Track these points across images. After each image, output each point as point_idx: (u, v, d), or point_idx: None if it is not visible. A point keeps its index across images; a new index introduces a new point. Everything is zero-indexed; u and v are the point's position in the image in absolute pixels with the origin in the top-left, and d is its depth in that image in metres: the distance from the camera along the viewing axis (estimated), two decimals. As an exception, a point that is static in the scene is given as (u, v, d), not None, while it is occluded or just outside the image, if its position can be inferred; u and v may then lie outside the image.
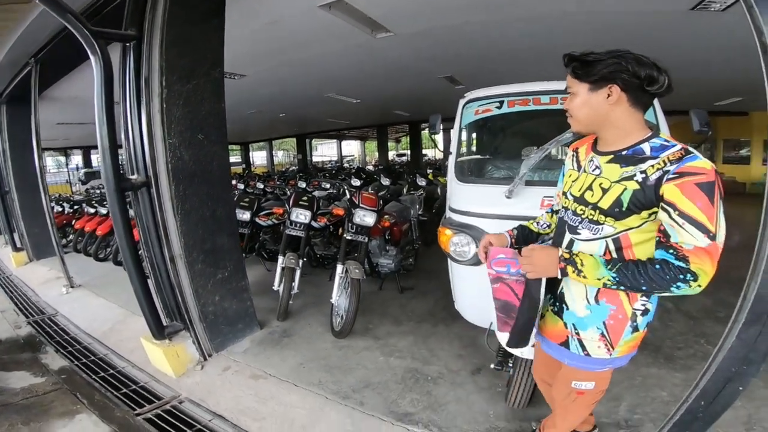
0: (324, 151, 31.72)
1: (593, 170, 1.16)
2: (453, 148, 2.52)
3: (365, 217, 2.99)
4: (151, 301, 2.40)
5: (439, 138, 4.07)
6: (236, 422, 2.06)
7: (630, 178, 1.04)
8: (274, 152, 23.54)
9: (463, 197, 2.29)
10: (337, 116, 12.00)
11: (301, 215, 3.25)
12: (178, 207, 2.38)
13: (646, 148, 1.05)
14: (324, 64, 5.49)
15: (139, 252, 2.49)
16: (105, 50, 2.10)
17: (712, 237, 0.93)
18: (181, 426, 2.02)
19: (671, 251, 0.96)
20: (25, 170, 5.03)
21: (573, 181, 1.23)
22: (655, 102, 1.95)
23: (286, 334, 2.93)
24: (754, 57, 1.12)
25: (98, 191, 9.07)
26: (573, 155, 1.29)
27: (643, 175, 1.02)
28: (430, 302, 3.43)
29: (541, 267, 1.11)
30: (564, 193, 1.26)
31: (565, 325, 1.25)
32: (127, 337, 2.97)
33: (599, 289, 1.15)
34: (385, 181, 6.38)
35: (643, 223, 1.05)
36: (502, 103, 2.35)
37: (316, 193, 5.10)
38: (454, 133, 2.54)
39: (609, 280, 1.02)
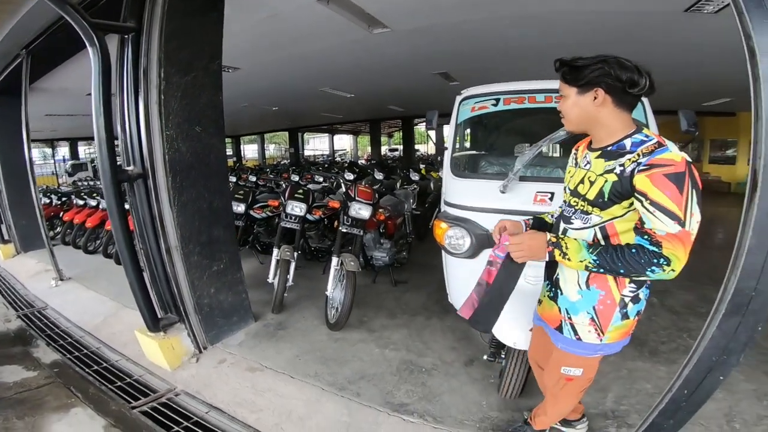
0: (316, 145, 31.56)
1: (585, 165, 1.25)
2: (449, 143, 2.55)
3: (361, 211, 3.01)
4: (146, 294, 2.40)
5: (432, 133, 4.10)
6: (233, 414, 2.08)
7: (611, 170, 1.13)
8: (265, 146, 23.33)
9: (459, 192, 2.32)
10: (330, 110, 11.94)
11: (297, 208, 3.26)
12: (174, 199, 2.37)
13: (627, 143, 1.13)
14: (320, 59, 5.47)
15: (134, 244, 2.49)
16: (104, 42, 2.08)
17: (682, 224, 0.99)
18: (177, 418, 2.03)
19: (646, 237, 1.03)
20: (12, 162, 4.92)
21: (571, 177, 1.31)
22: (646, 102, 2.01)
23: (281, 327, 2.95)
24: (744, 59, 1.17)
25: (86, 183, 8.92)
26: (574, 154, 1.36)
27: (621, 168, 1.10)
28: (423, 295, 3.48)
29: (530, 250, 1.18)
30: (564, 189, 1.35)
31: (560, 309, 1.32)
32: (119, 330, 2.96)
33: (590, 274, 1.22)
34: (379, 176, 6.40)
35: (626, 213, 1.12)
36: (498, 100, 2.38)
37: (311, 187, 5.10)
38: (450, 129, 2.57)
39: (590, 262, 1.08)
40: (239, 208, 3.73)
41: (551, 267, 1.35)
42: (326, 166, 11.20)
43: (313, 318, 3.08)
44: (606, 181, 1.13)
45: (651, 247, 1.01)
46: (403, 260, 4.05)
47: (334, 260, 2.89)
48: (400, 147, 19.43)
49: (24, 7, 2.94)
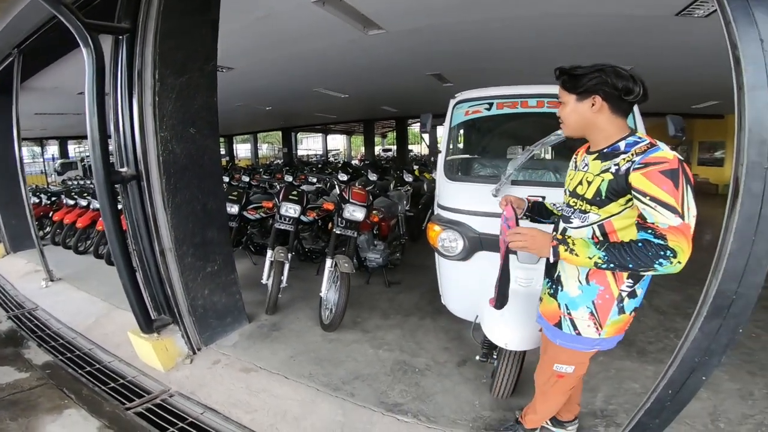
0: (309, 145, 31.46)
1: (583, 167, 1.31)
2: (443, 146, 2.58)
3: (355, 212, 3.03)
4: (140, 295, 2.39)
5: (426, 136, 4.14)
6: (228, 415, 2.09)
7: (607, 170, 1.19)
8: (258, 145, 23.20)
9: (452, 195, 2.35)
10: (324, 110, 11.93)
11: (291, 209, 3.27)
12: (168, 200, 2.37)
13: (621, 145, 1.20)
14: (314, 60, 5.47)
15: (127, 245, 2.48)
16: (98, 42, 2.07)
17: (682, 217, 1.04)
18: (172, 419, 2.03)
19: (650, 231, 1.07)
20: (2, 161, 4.84)
21: (570, 180, 1.38)
22: (635, 107, 2.06)
23: (275, 328, 2.96)
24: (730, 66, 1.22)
25: (76, 182, 8.81)
26: (574, 158, 1.43)
27: (617, 167, 1.16)
28: (416, 296, 3.51)
29: (536, 245, 1.21)
30: (564, 191, 1.41)
31: (559, 305, 1.37)
32: (112, 331, 2.95)
33: (590, 270, 1.26)
34: (372, 176, 6.42)
35: (622, 210, 1.18)
36: (491, 104, 2.42)
37: (304, 188, 5.10)
38: (444, 132, 2.60)
39: (599, 258, 1.11)
40: (233, 209, 3.73)
41: (551, 266, 1.40)
42: (320, 166, 11.18)
43: (307, 319, 3.09)
44: (603, 180, 1.19)
45: (657, 240, 1.04)
46: (396, 261, 4.08)
47: (328, 262, 2.91)
48: (394, 147, 19.45)
49: (17, 6, 2.91)
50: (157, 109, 2.28)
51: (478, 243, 2.15)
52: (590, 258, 1.12)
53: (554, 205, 1.60)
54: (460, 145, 3.14)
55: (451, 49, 5.09)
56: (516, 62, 5.51)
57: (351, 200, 3.05)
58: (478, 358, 2.17)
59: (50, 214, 5.92)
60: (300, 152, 24.92)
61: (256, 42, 4.60)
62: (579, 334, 1.34)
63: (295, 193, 3.36)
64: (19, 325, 3.11)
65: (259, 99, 8.95)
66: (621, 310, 1.29)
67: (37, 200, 6.23)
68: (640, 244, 1.07)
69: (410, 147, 20.83)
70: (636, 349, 2.58)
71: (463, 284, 2.34)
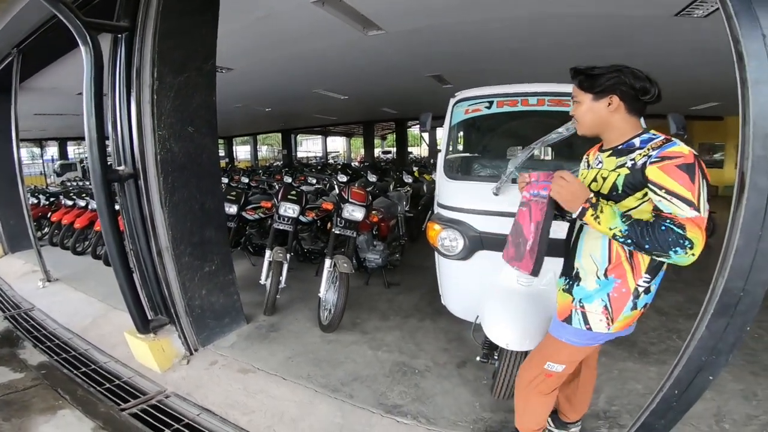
0: (309, 147, 31.49)
1: (597, 164, 1.33)
2: (442, 145, 2.56)
3: (354, 212, 3.01)
4: (136, 295, 2.37)
5: (426, 135, 4.13)
6: (225, 416, 2.05)
7: (623, 165, 1.20)
8: (258, 147, 23.21)
9: (452, 194, 2.33)
10: (324, 112, 11.94)
11: (290, 209, 3.25)
12: (166, 199, 2.35)
13: (636, 141, 1.22)
14: (314, 60, 5.47)
15: (124, 245, 2.46)
16: (97, 41, 2.05)
17: (697, 209, 1.06)
18: (168, 420, 2.00)
19: (668, 220, 1.07)
20: (1, 161, 4.83)
21: (583, 178, 1.37)
22: None
23: (273, 329, 2.93)
24: (732, 63, 1.20)
25: (75, 183, 8.79)
26: (585, 158, 1.44)
27: (633, 162, 1.18)
28: (416, 297, 3.48)
29: (569, 195, 1.19)
30: None
31: (573, 300, 1.35)
32: (108, 332, 2.91)
33: (609, 265, 1.26)
34: (372, 178, 6.40)
35: (639, 204, 1.18)
36: (491, 103, 2.40)
37: (304, 188, 5.08)
38: (443, 131, 2.58)
39: (620, 231, 1.11)
40: (231, 209, 3.70)
41: (568, 263, 1.39)
42: (319, 168, 11.16)
43: (306, 320, 3.07)
44: (619, 175, 1.20)
45: (677, 229, 1.04)
46: (396, 262, 4.06)
47: (327, 262, 2.89)
48: (394, 149, 19.46)
49: (16, 6, 2.90)
50: (156, 108, 2.26)
51: (478, 242, 2.13)
52: (611, 229, 1.13)
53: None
54: (460, 144, 3.12)
55: (451, 50, 5.09)
56: (515, 63, 5.51)
57: (350, 200, 3.03)
58: (478, 359, 2.13)
59: (48, 215, 5.90)
60: (300, 154, 24.94)
61: (256, 42, 4.60)
62: (589, 329, 1.32)
63: (293, 193, 3.34)
64: (15, 326, 3.08)
65: (259, 100, 8.96)
66: (634, 306, 1.27)
67: (36, 201, 6.21)
68: (663, 228, 1.06)
69: (410, 149, 20.83)
70: (638, 350, 2.56)
71: (463, 284, 2.31)
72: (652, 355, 2.52)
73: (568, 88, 2.32)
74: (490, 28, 4.30)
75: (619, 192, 1.20)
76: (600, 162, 1.31)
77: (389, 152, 23.04)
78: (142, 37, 2.22)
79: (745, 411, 1.97)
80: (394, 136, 18.51)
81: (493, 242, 2.09)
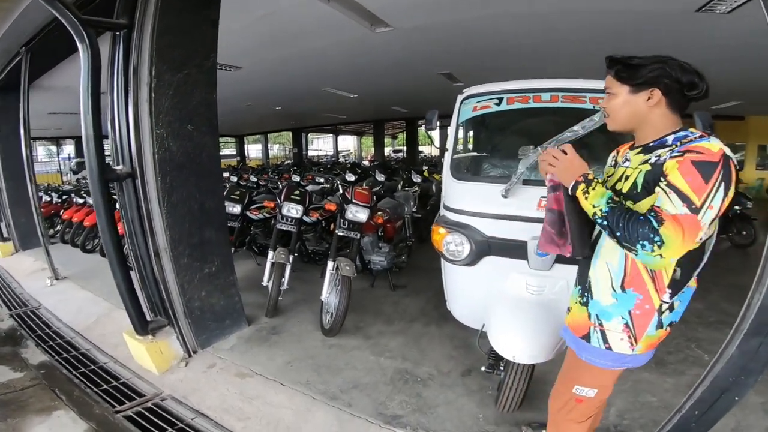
0: (320, 146, 31.56)
1: (624, 163, 1.21)
2: (449, 144, 2.46)
3: (358, 213, 2.93)
4: (134, 296, 2.33)
5: (436, 135, 4.02)
6: (219, 421, 2.01)
7: (646, 162, 1.09)
8: (269, 146, 23.34)
9: (458, 195, 2.23)
10: (333, 110, 11.91)
11: (293, 210, 3.19)
12: (164, 199, 2.30)
13: (670, 138, 1.09)
14: (321, 58, 5.41)
15: (124, 245, 2.43)
16: (94, 39, 2.02)
17: (694, 209, 0.94)
18: (162, 424, 1.96)
19: (653, 213, 0.98)
20: (13, 159, 4.90)
21: (609, 177, 1.26)
22: None
23: (274, 332, 2.88)
24: (756, 60, 1.09)
25: (86, 181, 8.92)
26: (613, 156, 1.32)
27: (657, 158, 1.06)
28: (422, 301, 3.39)
29: (566, 165, 1.15)
30: None
31: (589, 316, 1.23)
32: (111, 332, 2.90)
33: (625, 276, 1.15)
34: (380, 177, 6.32)
35: None
36: (501, 99, 2.29)
37: (309, 188, 5.03)
38: (450, 129, 2.48)
39: (600, 211, 1.06)
40: (235, 209, 3.66)
41: (583, 271, 1.28)
42: (329, 166, 11.13)
43: (308, 323, 3.00)
44: (640, 171, 1.09)
45: (653, 222, 0.96)
46: (402, 264, 3.97)
47: (330, 264, 2.82)
48: (405, 148, 19.35)
49: (20, 5, 2.90)
50: (153, 106, 2.22)
51: (486, 247, 2.02)
52: (594, 206, 1.08)
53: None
54: (468, 143, 3.02)
55: (461, 47, 4.97)
56: (528, 61, 5.35)
57: (354, 201, 2.95)
58: (483, 369, 2.04)
59: (60, 213, 5.98)
60: (311, 153, 25.01)
61: (263, 40, 4.56)
62: (609, 348, 1.19)
63: (297, 192, 3.28)
64: (20, 324, 3.09)
65: (269, 99, 8.95)
66: (659, 324, 1.15)
67: (48, 199, 6.30)
68: (641, 218, 0.98)
69: (421, 148, 20.69)
70: (654, 360, 2.37)
71: (469, 291, 2.21)
72: (669, 365, 2.39)
73: (584, 83, 2.22)
74: (500, 25, 4.18)
75: (638, 190, 1.08)
76: (628, 160, 1.19)
77: (400, 151, 22.91)
78: (140, 34, 2.18)
79: (765, 425, 1.85)
80: (405, 135, 18.40)
81: (502, 247, 1.99)
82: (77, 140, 16.19)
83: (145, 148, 2.25)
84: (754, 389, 2.02)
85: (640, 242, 0.96)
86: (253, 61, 5.45)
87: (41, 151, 17.51)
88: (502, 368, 1.99)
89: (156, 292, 2.47)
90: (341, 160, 20.61)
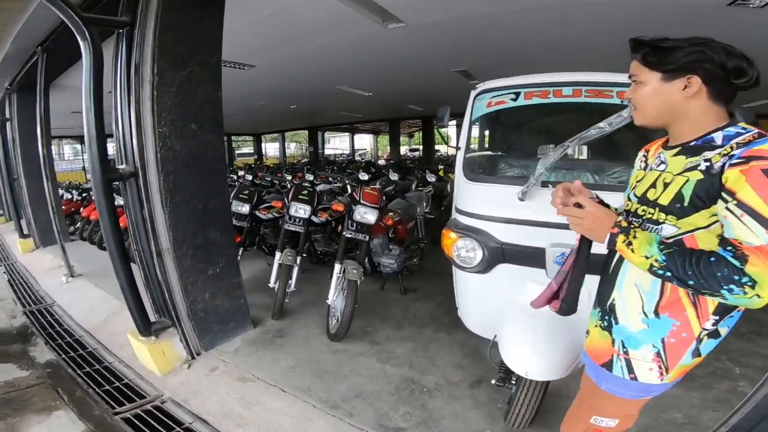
0: (336, 144, 31.69)
1: (658, 165, 1.01)
2: (462, 143, 2.33)
3: (366, 215, 2.83)
4: (138, 297, 2.30)
5: (453, 134, 3.89)
6: (218, 426, 1.95)
7: (694, 167, 0.89)
8: (286, 144, 23.53)
9: (471, 197, 2.10)
10: (349, 109, 11.85)
11: (301, 210, 3.12)
12: (166, 199, 2.26)
13: (718, 137, 0.90)
14: (333, 55, 5.33)
15: (127, 244, 2.41)
16: (96, 37, 2.00)
17: None
18: (159, 428, 1.93)
19: (729, 247, 0.79)
20: (34, 158, 5.00)
21: (638, 182, 1.08)
22: None
23: (280, 334, 2.81)
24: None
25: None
26: (643, 156, 1.14)
27: (708, 164, 0.87)
28: (433, 306, 3.27)
29: (593, 222, 0.96)
30: (628, 197, 1.12)
31: (613, 342, 1.07)
32: (119, 331, 2.89)
33: (660, 300, 0.98)
34: (394, 176, 6.21)
35: (713, 223, 0.87)
36: (518, 94, 2.14)
37: (320, 187, 4.96)
38: (463, 126, 2.36)
39: (656, 261, 0.86)
40: (243, 208, 3.62)
41: (604, 291, 1.11)
42: (343, 165, 11.08)
43: (315, 326, 2.93)
44: (687, 180, 0.89)
45: (733, 261, 0.77)
46: (414, 267, 3.85)
47: (337, 267, 2.73)
48: (421, 147, 19.17)
49: (31, 4, 2.93)
50: (156, 104, 2.18)
51: (499, 254, 1.89)
52: (646, 258, 0.87)
53: (616, 210, 1.25)
54: (483, 142, 2.88)
55: (476, 43, 4.81)
56: (548, 57, 5.13)
57: (362, 201, 2.85)
58: (494, 382, 1.91)
59: (80, 210, 6.11)
60: (327, 151, 25.11)
61: (275, 37, 4.51)
62: (634, 378, 1.03)
63: (305, 192, 3.20)
64: (32, 321, 3.13)
65: (283, 97, 8.95)
66: (696, 353, 0.98)
67: (69, 196, 6.45)
68: (712, 259, 0.79)
69: (437, 147, 20.46)
70: None
71: (481, 299, 2.09)
72: (696, 378, 2.19)
73: (610, 77, 2.04)
74: (516, 19, 3.99)
75: (685, 204, 0.89)
76: (663, 162, 1.00)
77: (416, 150, 22.73)
78: (142, 31, 2.14)
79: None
80: (421, 134, 18.22)
81: (517, 255, 1.85)
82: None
83: (148, 146, 2.21)
84: None
85: (725, 288, 0.78)
86: (265, 59, 5.42)
87: (67, 149, 18.13)
88: (513, 382, 1.87)
89: (160, 292, 2.44)
90: (357, 158, 20.59)
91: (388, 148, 19.64)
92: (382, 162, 14.91)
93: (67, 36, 3.48)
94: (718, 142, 0.89)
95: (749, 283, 0.75)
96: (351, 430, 1.88)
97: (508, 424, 1.81)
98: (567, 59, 5.04)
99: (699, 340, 0.97)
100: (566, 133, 1.86)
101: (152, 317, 2.47)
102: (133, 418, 1.98)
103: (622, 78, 1.96)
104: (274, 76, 6.44)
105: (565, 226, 1.14)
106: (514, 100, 2.17)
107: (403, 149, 21.83)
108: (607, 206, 1.19)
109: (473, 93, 2.38)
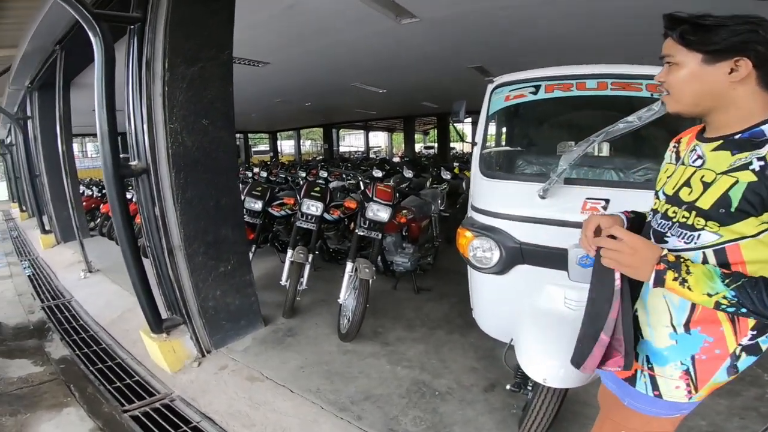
0: (351, 142, 31.74)
1: (694, 161, 0.88)
2: (478, 138, 2.24)
3: (379, 212, 2.76)
4: (150, 294, 2.30)
5: (468, 131, 3.80)
6: (224, 426, 1.93)
7: (744, 167, 0.77)
8: (302, 141, 23.67)
9: (488, 195, 2.01)
10: (363, 106, 11.81)
11: (313, 207, 3.07)
12: (178, 196, 2.25)
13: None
14: (347, 52, 5.29)
15: (141, 241, 2.40)
16: (107, 33, 2.00)
17: None
18: (166, 426, 1.92)
19: None
20: (54, 155, 5.12)
21: (668, 177, 0.95)
22: None
23: (290, 333, 2.78)
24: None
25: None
26: (674, 147, 1.01)
27: (762, 163, 0.74)
28: (446, 306, 3.19)
29: (632, 258, 0.83)
30: (656, 193, 0.99)
31: (637, 356, 0.97)
32: (133, 327, 2.91)
33: (692, 315, 0.87)
34: (408, 174, 6.12)
35: (762, 231, 0.76)
36: (538, 87, 2.03)
37: (333, 184, 4.91)
38: (480, 121, 2.26)
39: (724, 299, 0.75)
40: (256, 205, 3.60)
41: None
42: (358, 162, 11.04)
43: (326, 325, 2.88)
44: (736, 182, 0.76)
45: None
46: (427, 266, 3.77)
47: (349, 265, 2.67)
48: (436, 145, 18.99)
49: (46, 3, 2.96)
50: (167, 100, 2.16)
51: (518, 255, 1.79)
52: (710, 296, 0.76)
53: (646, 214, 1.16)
54: (500, 137, 2.77)
55: (492, 38, 4.69)
56: (568, 53, 4.96)
57: (375, 198, 2.78)
58: (509, 387, 1.82)
59: (100, 207, 6.23)
60: (342, 149, 25.15)
61: (289, 34, 4.48)
62: (659, 396, 0.93)
63: (317, 189, 3.16)
64: (49, 316, 3.18)
65: (298, 94, 8.96)
66: (733, 370, 0.87)
67: (90, 193, 6.59)
68: None
69: (452, 145, 20.24)
70: None
71: (497, 301, 2.00)
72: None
73: (639, 69, 1.91)
74: (533, 13, 3.86)
75: (732, 210, 0.76)
76: (700, 157, 0.87)
77: (431, 147, 22.55)
78: (153, 26, 2.13)
79: None
80: (436, 131, 18.04)
81: (537, 255, 1.75)
82: (123, 136, 17.15)
83: (159, 142, 2.20)
84: None
85: None
86: (280, 56, 5.41)
87: (90, 147, 18.63)
88: (530, 388, 1.77)
89: (171, 290, 2.43)
90: (372, 156, 20.55)
91: (403, 145, 19.54)
92: (396, 159, 14.82)
93: (84, 34, 3.55)
94: None
95: None
96: (359, 434, 1.82)
97: (523, 432, 1.73)
98: (588, 56, 4.86)
99: (736, 357, 0.87)
100: (590, 128, 1.74)
101: (164, 314, 2.47)
102: (142, 416, 1.98)
103: (653, 70, 1.84)
104: (288, 74, 6.44)
105: None
106: (534, 93, 2.07)
107: (418, 147, 21.67)
108: (643, 217, 1.09)
109: (490, 87, 2.28)
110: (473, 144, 2.29)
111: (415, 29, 4.28)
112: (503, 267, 1.84)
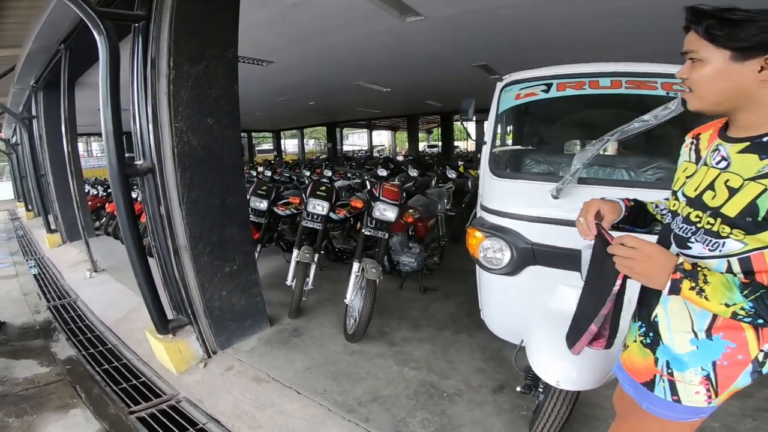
0: (355, 141, 31.72)
1: (717, 162, 0.84)
2: (488, 137, 2.21)
3: (386, 212, 2.74)
4: (155, 294, 2.29)
5: (472, 130, 3.76)
6: (231, 428, 1.91)
7: None
8: (305, 140, 23.67)
9: (499, 195, 1.98)
10: (367, 105, 11.77)
11: (318, 206, 3.05)
12: (183, 195, 2.23)
13: None
14: (351, 51, 5.26)
15: (147, 240, 2.39)
16: (112, 31, 1.97)
17: None
18: (172, 428, 1.90)
19: None
20: (59, 154, 5.13)
21: (688, 177, 0.90)
22: None
23: (296, 334, 2.76)
24: None
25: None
26: (692, 143, 0.96)
27: None
28: (453, 306, 3.16)
29: (645, 268, 0.81)
30: (674, 193, 0.95)
31: (656, 361, 0.94)
32: (138, 327, 2.90)
33: (714, 322, 0.84)
34: (413, 173, 6.08)
35: None
36: (549, 86, 2.00)
37: (338, 183, 4.89)
38: (489, 119, 2.23)
39: (742, 309, 0.73)
40: (261, 204, 3.58)
41: (646, 302, 0.97)
42: (362, 161, 11.01)
43: (332, 325, 2.86)
44: (765, 189, 0.73)
45: None
46: (434, 266, 3.73)
47: (355, 266, 2.65)
48: (440, 143, 18.93)
49: (51, 2, 2.94)
50: (172, 98, 2.14)
51: (530, 255, 1.76)
52: (727, 306, 0.74)
53: (657, 207, 1.12)
54: (510, 136, 2.73)
55: (497, 37, 4.64)
56: (573, 52, 4.90)
57: (381, 198, 2.75)
58: (519, 389, 1.79)
59: (105, 206, 6.24)
60: (346, 147, 25.14)
61: (293, 32, 4.45)
62: (678, 401, 0.91)
63: (323, 188, 3.14)
64: (55, 316, 3.18)
65: (302, 93, 8.94)
66: (756, 374, 0.85)
67: (95, 192, 6.61)
68: None
69: (456, 143, 20.16)
70: None
71: (508, 303, 1.97)
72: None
73: (654, 67, 1.86)
74: (541, 10, 3.81)
75: (759, 219, 0.73)
76: (724, 159, 0.83)
77: (435, 146, 22.48)
78: (158, 25, 2.10)
79: None
80: (440, 129, 17.97)
81: (549, 256, 1.72)
82: (127, 135, 17.21)
83: (164, 142, 2.18)
84: None
85: None
86: (283, 55, 5.39)
87: (95, 146, 18.71)
88: (541, 390, 1.74)
89: (177, 290, 2.42)
90: (375, 155, 20.50)
91: (407, 144, 19.49)
92: (400, 158, 14.77)
93: (89, 33, 3.54)
94: None
95: None
96: (367, 437, 1.80)
97: (533, 435, 1.69)
98: (594, 55, 4.81)
99: (759, 363, 0.84)
100: (602, 127, 1.71)
101: (170, 315, 2.45)
102: (148, 418, 1.96)
103: (668, 69, 1.80)
104: (292, 72, 6.42)
105: None
106: (546, 91, 2.03)
107: (421, 145, 21.61)
108: (643, 205, 1.10)
109: (499, 84, 2.25)
110: (482, 143, 2.26)
111: (419, 27, 4.25)
112: (514, 268, 1.81)
